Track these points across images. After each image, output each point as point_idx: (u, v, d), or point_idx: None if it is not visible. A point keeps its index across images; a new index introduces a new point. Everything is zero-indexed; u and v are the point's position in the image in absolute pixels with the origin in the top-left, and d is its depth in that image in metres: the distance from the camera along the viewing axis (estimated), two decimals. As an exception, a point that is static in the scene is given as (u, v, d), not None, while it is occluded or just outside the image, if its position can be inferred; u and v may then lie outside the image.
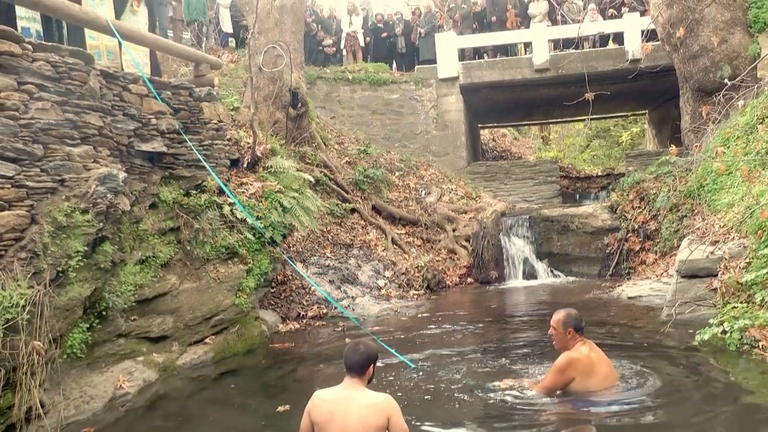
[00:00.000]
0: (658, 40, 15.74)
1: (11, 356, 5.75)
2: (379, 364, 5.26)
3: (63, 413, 6.64)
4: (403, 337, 10.04)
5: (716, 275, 9.21)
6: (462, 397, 6.69)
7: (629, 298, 11.77)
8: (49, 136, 6.49)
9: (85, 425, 6.70)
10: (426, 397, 6.82)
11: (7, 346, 5.67)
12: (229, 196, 9.79)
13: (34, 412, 6.11)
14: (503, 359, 8.23)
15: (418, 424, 5.91)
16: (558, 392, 6.05)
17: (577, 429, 5.74)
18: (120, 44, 9.15)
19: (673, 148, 12.65)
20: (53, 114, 6.57)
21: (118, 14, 9.87)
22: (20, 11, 8.30)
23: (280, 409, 6.52)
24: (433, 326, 10.71)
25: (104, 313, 7.48)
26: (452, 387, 7.08)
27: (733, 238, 9.56)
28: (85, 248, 6.65)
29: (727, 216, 10.35)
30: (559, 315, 5.91)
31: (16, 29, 7.58)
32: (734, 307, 8.20)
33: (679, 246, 11.16)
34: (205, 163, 9.23)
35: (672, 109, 20.84)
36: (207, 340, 9.29)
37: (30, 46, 6.48)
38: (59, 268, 6.36)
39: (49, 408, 6.51)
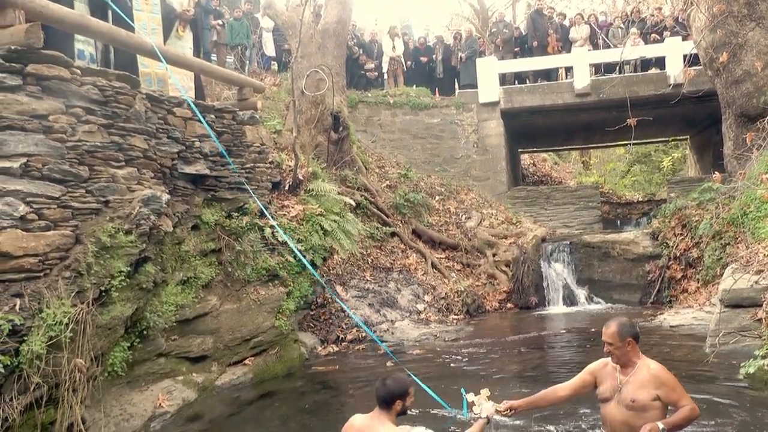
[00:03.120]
0: (700, 65, 15.59)
1: (54, 373, 5.84)
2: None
3: (103, 430, 6.73)
4: (442, 362, 10.01)
5: (761, 305, 8.99)
6: None
7: (671, 326, 11.58)
8: (95, 158, 6.63)
9: (124, 443, 6.79)
10: None
11: (50, 363, 5.76)
12: (277, 230, 9.84)
13: (76, 429, 6.20)
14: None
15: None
16: None
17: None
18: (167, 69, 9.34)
19: (716, 175, 12.53)
20: (99, 136, 6.71)
21: (164, 39, 10.07)
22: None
23: None
24: (473, 352, 10.65)
25: (145, 332, 7.57)
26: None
27: (778, 268, 9.39)
28: (128, 268, 6.75)
29: (771, 244, 10.17)
30: (611, 328, 5.11)
31: (73, 50, 7.79)
32: (780, 339, 8.03)
33: (722, 274, 10.95)
34: (253, 194, 9.32)
35: (714, 135, 20.56)
36: (246, 362, 9.35)
37: (78, 71, 6.65)
38: (102, 288, 6.46)
39: (90, 425, 6.59)
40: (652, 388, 4.91)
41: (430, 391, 6.04)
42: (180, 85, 9.42)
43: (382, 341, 11.63)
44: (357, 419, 4.92)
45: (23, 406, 5.64)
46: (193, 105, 8.57)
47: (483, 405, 5.17)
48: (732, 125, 14.68)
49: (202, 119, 8.59)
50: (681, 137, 27.15)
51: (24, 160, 5.90)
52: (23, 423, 5.73)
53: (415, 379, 5.75)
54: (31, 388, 5.68)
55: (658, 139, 28.16)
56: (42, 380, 5.74)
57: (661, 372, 4.97)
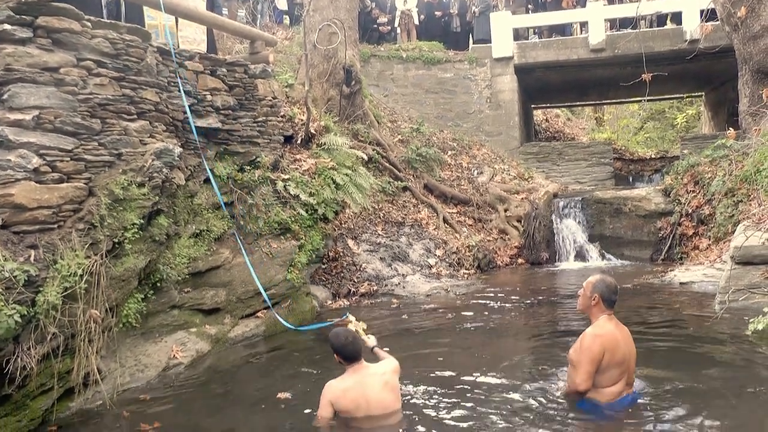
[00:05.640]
0: (717, 20, 15.39)
1: (70, 323, 5.94)
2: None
3: (119, 380, 6.86)
4: (452, 316, 10.08)
5: (772, 263, 9.00)
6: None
7: (681, 283, 11.58)
8: (107, 111, 6.65)
9: (139, 392, 6.90)
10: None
11: (66, 314, 5.85)
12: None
13: (92, 378, 6.31)
14: (554, 345, 8.25)
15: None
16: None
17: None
18: (176, 22, 9.30)
19: (731, 132, 12.42)
20: (111, 89, 6.73)
21: (176, -8, 10.01)
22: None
23: (280, 396, 6.51)
24: (483, 306, 10.72)
25: (158, 284, 7.66)
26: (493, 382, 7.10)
27: (790, 224, 9.35)
28: (141, 221, 6.81)
29: (785, 201, 10.12)
30: (592, 278, 5.50)
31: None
32: (790, 296, 8.01)
33: (733, 232, 10.92)
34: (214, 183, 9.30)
35: (729, 92, 20.40)
36: (258, 314, 9.44)
37: (89, 23, 6.64)
38: (115, 240, 6.53)
39: (106, 374, 6.72)
40: (577, 346, 5.33)
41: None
42: (171, 35, 9.31)
43: (396, 295, 11.74)
44: (343, 383, 5.26)
45: (41, 356, 5.72)
46: (174, 52, 8.43)
47: (357, 328, 5.97)
48: (748, 81, 14.52)
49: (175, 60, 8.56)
50: (696, 94, 26.96)
51: (36, 112, 5.93)
52: (41, 372, 5.83)
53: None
54: (48, 338, 5.77)
55: (673, 96, 27.97)
56: (58, 330, 5.83)
57: (586, 336, 5.29)
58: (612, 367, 5.24)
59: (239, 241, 8.88)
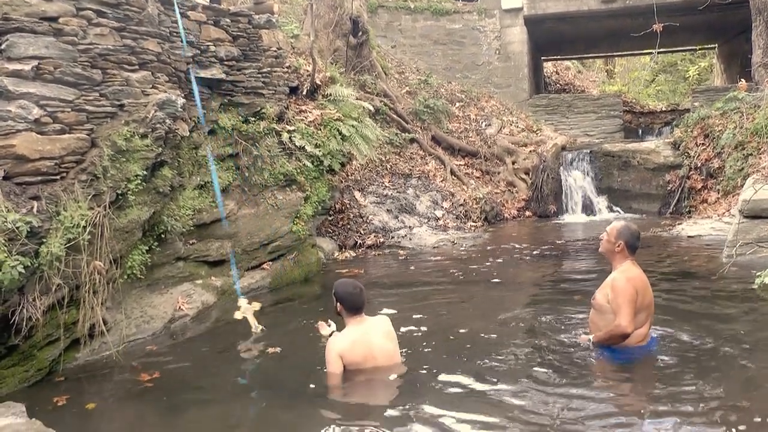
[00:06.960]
0: (731, -31, 15.15)
1: (74, 275, 5.94)
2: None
3: (124, 331, 6.87)
4: (458, 268, 10.09)
5: (781, 217, 8.96)
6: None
7: (689, 236, 11.57)
8: (108, 61, 6.57)
9: (145, 344, 6.95)
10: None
11: (70, 265, 5.84)
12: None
13: (97, 329, 6.34)
14: (561, 297, 8.24)
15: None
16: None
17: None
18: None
19: (742, 83, 12.26)
20: (111, 39, 6.64)
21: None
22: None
23: (270, 351, 6.50)
24: (489, 258, 10.72)
25: (163, 236, 7.64)
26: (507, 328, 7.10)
27: (800, 178, 9.28)
28: (144, 172, 6.77)
29: (795, 155, 10.03)
30: (617, 224, 5.61)
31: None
32: (797, 249, 7.96)
33: (742, 185, 10.86)
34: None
35: (743, 44, 20.14)
36: (264, 266, 9.46)
37: (89, -28, 6.54)
38: (119, 191, 6.50)
39: (112, 326, 6.74)
40: (607, 290, 5.40)
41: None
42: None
43: (402, 246, 11.75)
44: (350, 334, 5.29)
45: (46, 306, 5.74)
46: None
47: (245, 314, 6.44)
48: (762, 33, 14.31)
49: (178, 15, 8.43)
50: (709, 46, 26.62)
51: (35, 62, 5.86)
52: (47, 323, 5.85)
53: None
54: (53, 289, 5.78)
55: (685, 48, 27.64)
56: (63, 281, 5.83)
57: (618, 279, 5.37)
58: (643, 309, 5.38)
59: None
